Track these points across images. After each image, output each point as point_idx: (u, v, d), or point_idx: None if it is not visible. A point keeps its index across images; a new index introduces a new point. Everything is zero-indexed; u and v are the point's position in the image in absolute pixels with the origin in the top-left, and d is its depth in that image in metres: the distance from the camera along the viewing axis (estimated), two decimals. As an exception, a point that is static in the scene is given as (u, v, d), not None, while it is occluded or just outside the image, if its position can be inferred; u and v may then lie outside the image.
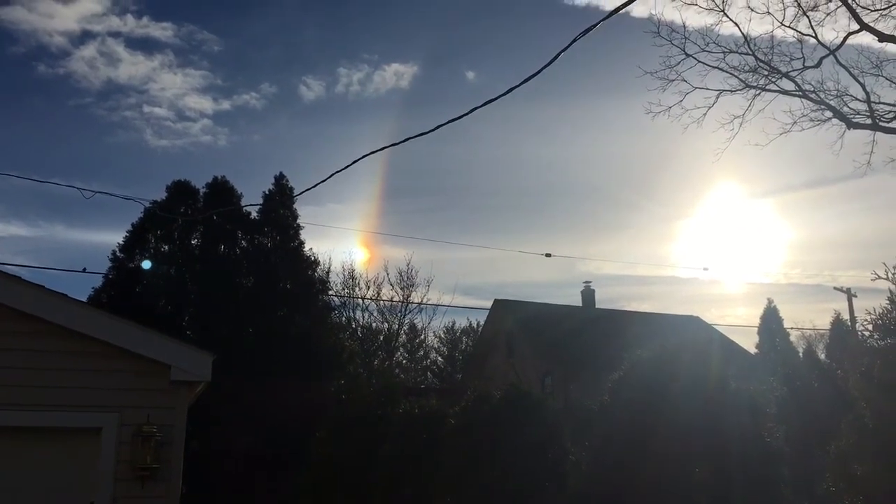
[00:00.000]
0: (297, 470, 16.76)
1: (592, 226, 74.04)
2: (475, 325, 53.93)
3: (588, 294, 38.61)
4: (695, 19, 24.12)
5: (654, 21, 24.21)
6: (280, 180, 26.66)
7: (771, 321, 21.86)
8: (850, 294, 37.00)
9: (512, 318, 36.05)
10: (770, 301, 22.31)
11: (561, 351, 31.46)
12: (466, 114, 7.93)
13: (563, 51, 6.67)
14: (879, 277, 13.71)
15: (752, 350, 29.03)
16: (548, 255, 27.97)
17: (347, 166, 10.35)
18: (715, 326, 37.78)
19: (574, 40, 6.69)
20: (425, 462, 13.84)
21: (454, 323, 56.58)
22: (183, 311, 24.86)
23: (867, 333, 13.59)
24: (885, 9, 24.32)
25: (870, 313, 13.70)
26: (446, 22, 64.33)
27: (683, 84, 24.80)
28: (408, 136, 8.72)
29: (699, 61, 24.86)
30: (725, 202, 59.82)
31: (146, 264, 24.95)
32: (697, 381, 13.86)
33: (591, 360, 30.17)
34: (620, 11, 6.74)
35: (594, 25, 6.72)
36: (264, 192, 26.92)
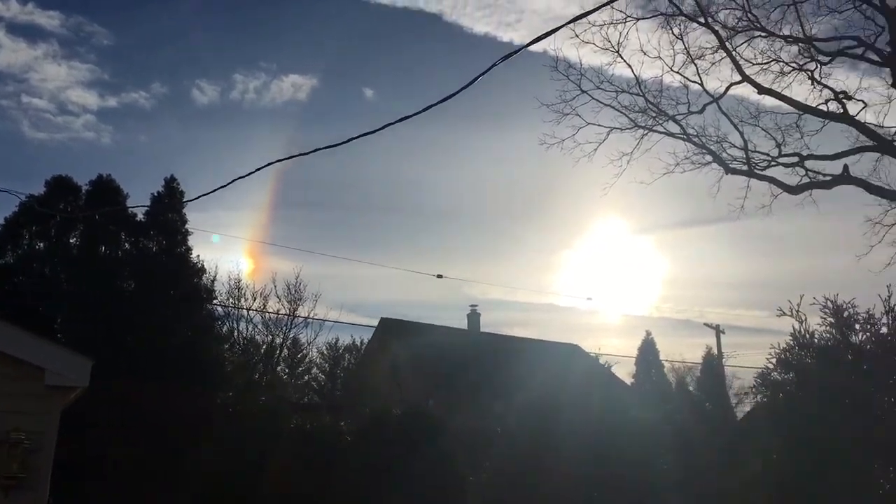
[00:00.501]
0: (180, 482, 16.09)
1: (481, 250, 75.17)
2: (359, 343, 53.62)
3: (474, 318, 39.08)
4: (591, 58, 25.15)
5: (552, 56, 25.08)
6: (171, 183, 25.80)
7: (648, 353, 22.83)
8: (718, 330, 38.97)
9: (398, 337, 36.05)
10: (648, 333, 23.41)
11: (445, 373, 31.68)
12: (381, 128, 8.00)
13: (482, 74, 6.87)
14: (784, 314, 14.59)
15: (627, 379, 30.08)
16: (439, 277, 28.20)
17: (251, 173, 10.20)
18: (593, 355, 39.02)
19: (494, 64, 6.89)
20: (319, 479, 13.62)
21: (338, 339, 55.98)
22: (57, 313, 23.59)
23: (771, 367, 14.38)
24: (765, 63, 26.08)
25: (773, 348, 14.54)
26: (347, 38, 64.17)
27: (577, 119, 25.75)
28: (317, 147, 8.73)
29: (593, 98, 25.91)
30: (608, 236, 62.17)
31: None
32: (593, 409, 14.27)
33: (474, 383, 30.51)
34: (536, 42, 6.99)
35: (517, 51, 6.94)
36: (153, 193, 25.98)
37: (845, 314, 15.10)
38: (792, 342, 14.10)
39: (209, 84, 65.00)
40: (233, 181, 11.09)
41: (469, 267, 72.32)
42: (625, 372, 33.20)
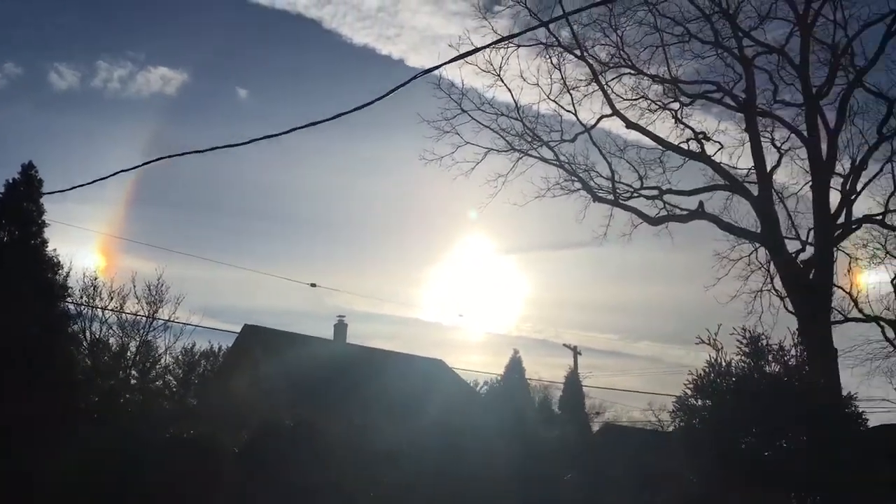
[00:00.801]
0: (36, 489, 14.89)
1: (350, 261, 74.96)
2: (217, 349, 51.97)
3: (341, 328, 38.64)
4: (473, 79, 25.83)
5: (435, 74, 25.56)
6: (28, 170, 24.00)
7: (514, 371, 23.46)
8: (576, 351, 40.60)
9: (262, 345, 35.24)
10: (516, 352, 24.04)
11: (310, 383, 31.13)
12: (287, 132, 7.96)
13: (400, 86, 7.01)
14: (702, 342, 15.37)
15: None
16: (313, 286, 27.88)
17: (138, 167, 9.88)
18: (456, 370, 39.50)
19: (415, 76, 7.05)
20: (206, 493, 13.03)
21: (194, 344, 53.85)
22: None
23: (689, 393, 15.04)
24: (634, 100, 27.73)
25: (691, 373, 15.24)
26: (221, 35, 62.74)
27: (457, 137, 26.51)
28: (215, 146, 8.52)
29: (473, 118, 26.70)
30: (475, 254, 63.56)
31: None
32: (505, 430, 14.49)
33: (341, 395, 30.27)
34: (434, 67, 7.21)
35: (437, 67, 7.10)
36: (7, 180, 24.23)
37: (760, 344, 16.10)
38: (708, 370, 14.89)
39: (69, 69, 61.69)
40: (115, 174, 10.70)
41: (336, 277, 72.17)
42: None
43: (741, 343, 15.49)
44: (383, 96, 7.16)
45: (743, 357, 15.16)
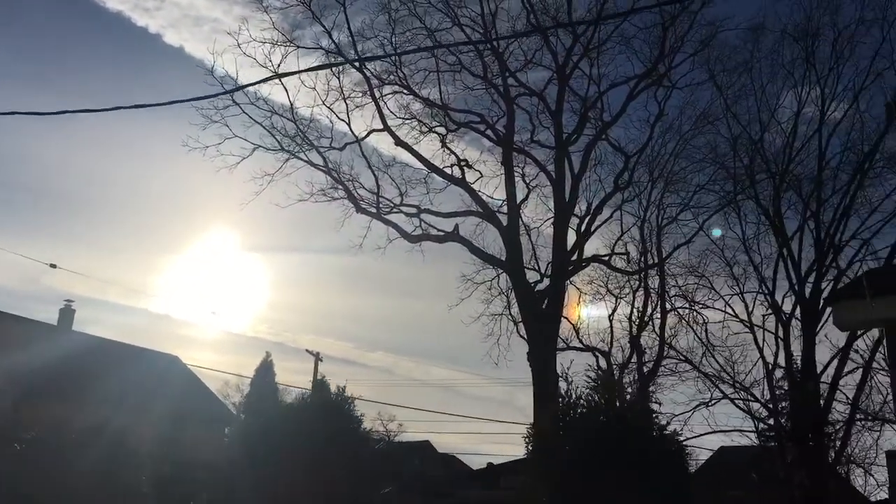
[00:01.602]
0: None
1: (82, 242, 69.30)
2: None
3: (67, 314, 35.43)
4: (249, 72, 25.02)
5: (208, 61, 24.55)
6: None
7: (265, 374, 23.05)
8: (318, 357, 40.86)
9: (-31, 326, 31.49)
10: (268, 354, 23.68)
11: (31, 375, 28.19)
12: (109, 109, 7.47)
13: (261, 81, 6.79)
14: (561, 378, 15.92)
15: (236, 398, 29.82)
16: (53, 266, 25.43)
17: None
18: (192, 367, 37.94)
19: (284, 75, 6.86)
20: None
21: None
22: None
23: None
24: (406, 119, 28.64)
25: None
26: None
27: (226, 129, 25.52)
28: (15, 111, 7.69)
29: (244, 112, 25.89)
30: (220, 248, 61.59)
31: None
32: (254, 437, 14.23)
33: (67, 389, 27.91)
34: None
35: (301, 71, 6.97)
36: None
37: (608, 380, 17.38)
38: (560, 402, 15.70)
39: None
40: None
41: (59, 256, 66.25)
42: (213, 385, 33.34)
43: (590, 378, 16.69)
44: (225, 92, 6.97)
45: (591, 391, 16.33)
